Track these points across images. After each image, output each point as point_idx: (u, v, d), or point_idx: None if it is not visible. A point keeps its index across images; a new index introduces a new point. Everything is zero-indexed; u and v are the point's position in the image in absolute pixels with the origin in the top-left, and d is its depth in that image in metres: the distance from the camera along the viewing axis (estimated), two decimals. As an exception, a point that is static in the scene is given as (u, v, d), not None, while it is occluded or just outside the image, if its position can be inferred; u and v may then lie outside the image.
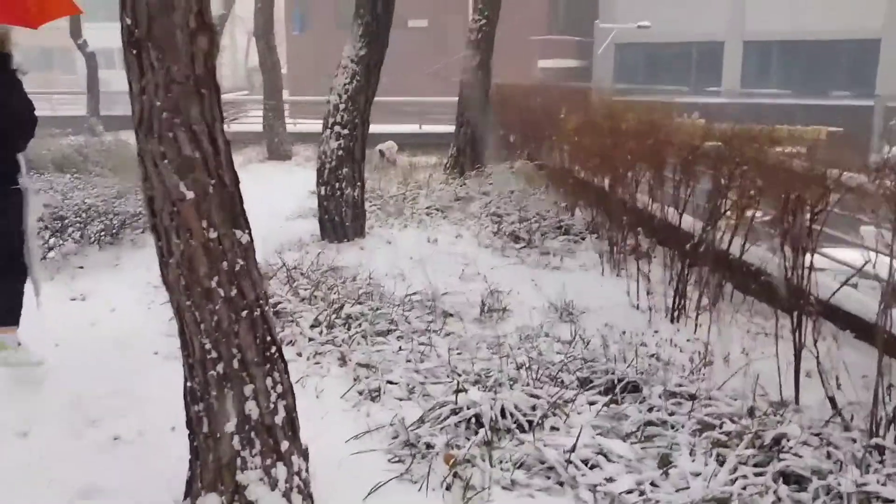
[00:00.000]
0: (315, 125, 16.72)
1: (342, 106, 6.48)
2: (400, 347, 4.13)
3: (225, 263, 2.45)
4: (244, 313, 2.50)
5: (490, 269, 6.07)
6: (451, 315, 4.94)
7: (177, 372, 4.04)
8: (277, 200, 9.20)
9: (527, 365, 3.73)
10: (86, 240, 6.46)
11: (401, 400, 3.60)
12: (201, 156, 2.39)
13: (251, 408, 2.52)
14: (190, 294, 2.44)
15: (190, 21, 2.31)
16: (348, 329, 4.41)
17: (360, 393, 3.69)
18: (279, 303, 4.67)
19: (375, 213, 7.67)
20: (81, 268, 6.08)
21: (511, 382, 3.53)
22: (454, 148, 10.23)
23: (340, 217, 6.58)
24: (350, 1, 6.69)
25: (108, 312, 5.08)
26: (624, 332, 4.57)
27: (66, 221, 5.96)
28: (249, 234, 2.57)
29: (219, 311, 2.46)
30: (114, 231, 6.55)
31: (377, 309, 4.71)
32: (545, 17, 28.26)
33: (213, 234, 2.42)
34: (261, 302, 2.57)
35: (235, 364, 2.49)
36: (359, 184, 6.66)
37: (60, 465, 3.10)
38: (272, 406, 2.57)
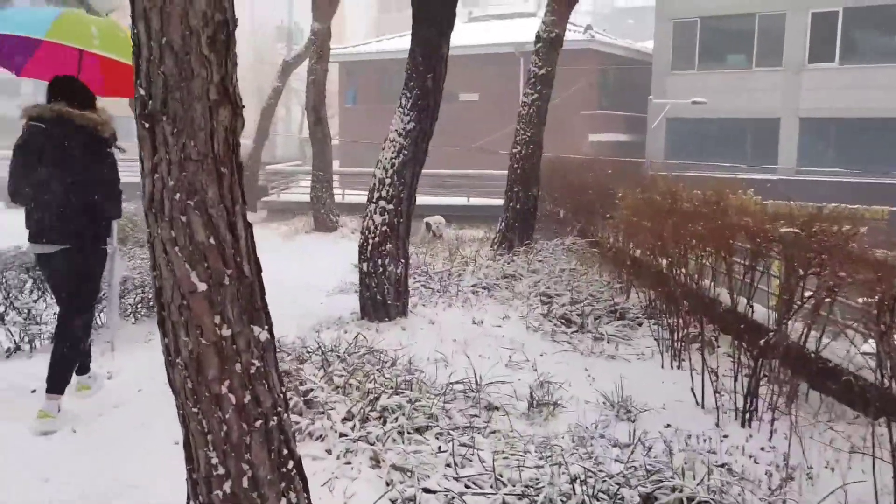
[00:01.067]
0: (364, 197, 16.85)
1: (388, 180, 6.25)
2: (440, 448, 3.73)
3: (238, 365, 2.14)
4: (258, 423, 2.17)
5: (539, 355, 5.67)
6: (497, 409, 4.54)
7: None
8: (320, 274, 8.99)
9: (581, 478, 3.29)
10: (122, 312, 6.27)
11: (438, 513, 3.19)
12: (217, 242, 2.10)
13: (262, 535, 2.16)
14: (197, 400, 2.13)
15: (210, 92, 2.06)
16: (383, 423, 4.03)
17: (393, 502, 3.29)
18: (311, 390, 4.34)
19: (419, 291, 7.36)
20: (110, 342, 5.86)
21: (563, 500, 3.10)
22: (502, 223, 9.93)
23: (382, 295, 6.28)
24: (400, 76, 6.53)
25: (135, 393, 4.81)
26: (690, 436, 4.11)
27: (102, 294, 5.77)
28: (270, 330, 2.25)
29: (228, 420, 2.13)
30: (150, 304, 6.35)
31: (415, 401, 4.34)
32: (596, 92, 28.30)
33: (226, 332, 2.11)
34: (279, 409, 2.23)
35: (245, 482, 2.15)
36: (402, 261, 6.38)
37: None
38: (287, 533, 2.21)
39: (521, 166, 9.66)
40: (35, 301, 5.71)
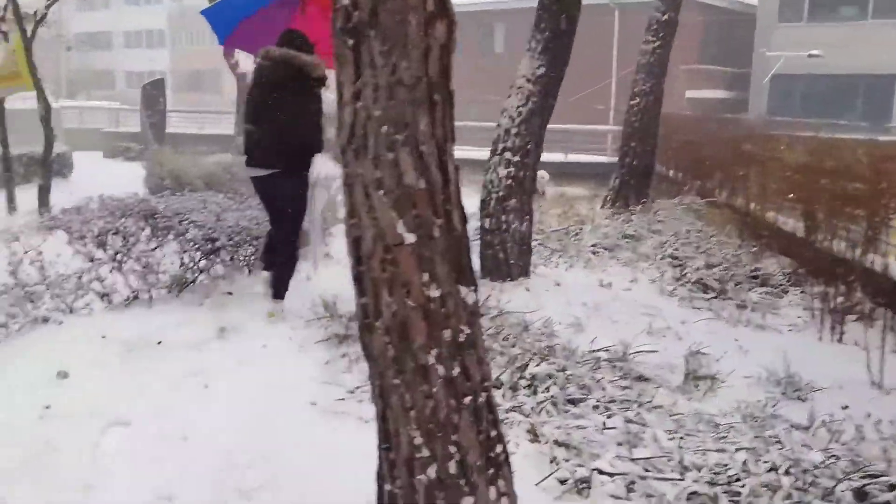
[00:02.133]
0: (462, 153, 16.26)
1: (514, 130, 5.84)
2: (604, 423, 3.37)
3: (447, 332, 1.80)
4: (467, 400, 1.84)
5: (680, 323, 5.24)
6: (647, 380, 4.15)
7: (338, 432, 3.48)
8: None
9: (783, 467, 2.88)
10: (235, 264, 6.10)
11: (617, 498, 2.84)
12: (428, 186, 1.75)
13: (469, 529, 1.84)
14: (400, 370, 1.80)
15: (427, 2, 1.69)
16: (534, 393, 3.70)
17: (562, 482, 2.96)
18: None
19: (537, 250, 6.97)
20: (230, 294, 5.68)
21: (770, 491, 2.70)
22: (616, 180, 9.41)
23: (505, 254, 5.91)
24: (495, 28, 6.08)
25: (260, 349, 4.60)
26: (880, 421, 3.63)
27: (218, 243, 5.60)
28: (476, 292, 1.91)
29: (436, 395, 1.80)
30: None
31: (563, 369, 3.99)
32: (696, 46, 26.96)
33: (434, 293, 1.78)
34: (486, 384, 1.90)
35: (453, 468, 1.83)
36: (527, 217, 5.99)
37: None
38: (495, 528, 1.88)
39: (639, 119, 9.09)
40: (153, 250, 5.56)
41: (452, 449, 1.82)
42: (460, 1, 27.74)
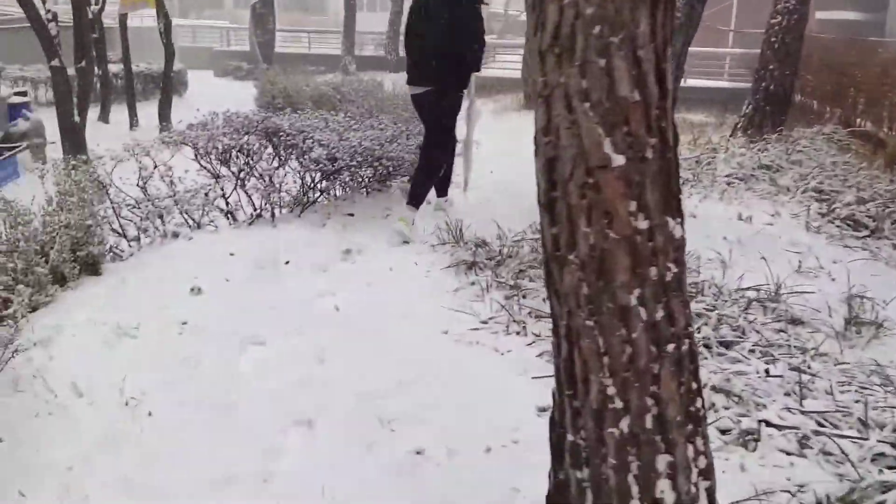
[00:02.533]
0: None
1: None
2: (767, 371, 3.09)
3: (654, 270, 1.57)
4: (670, 347, 1.61)
5: (832, 262, 4.81)
6: (802, 324, 3.82)
7: (474, 363, 3.34)
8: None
9: None
10: (355, 184, 6.00)
11: (788, 454, 2.59)
12: (643, 98, 1.49)
13: (664, 489, 1.64)
14: (594, 310, 1.59)
15: None
16: (684, 332, 3.44)
17: (724, 432, 2.72)
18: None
19: (666, 178, 6.58)
20: (352, 215, 5.60)
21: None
22: (750, 106, 8.75)
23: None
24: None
25: (387, 272, 4.50)
26: None
27: (340, 163, 5.48)
28: (682, 224, 1.66)
29: (636, 340, 1.58)
30: (383, 178, 6.02)
31: (713, 308, 3.70)
32: (829, -37, 24.81)
33: (642, 224, 1.54)
34: (690, 330, 1.66)
35: (649, 422, 1.62)
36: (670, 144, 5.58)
37: (350, 487, 2.45)
38: (693, 489, 1.67)
39: (780, 40, 8.35)
40: (276, 168, 5.50)
41: (650, 401, 1.60)
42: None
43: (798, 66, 8.54)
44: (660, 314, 1.58)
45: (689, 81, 16.83)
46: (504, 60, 19.53)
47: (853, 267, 4.73)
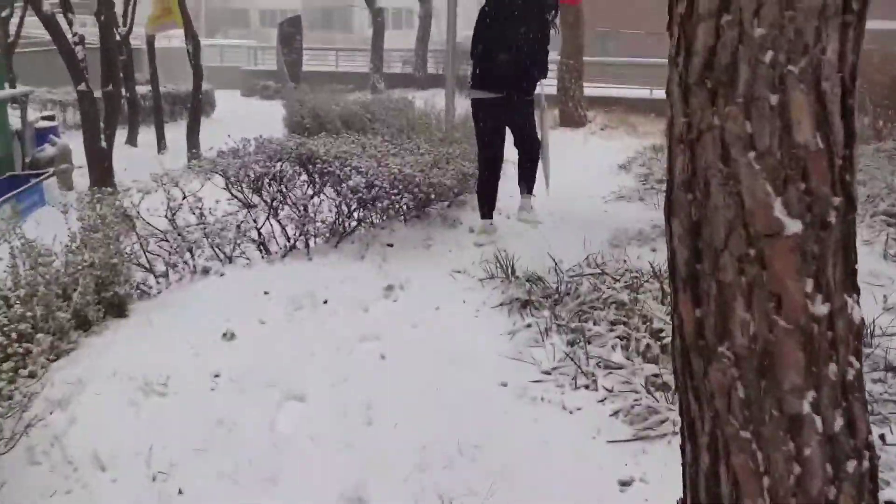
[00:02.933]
0: (610, 91, 15.25)
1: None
2: (882, 437, 2.69)
3: (833, 367, 1.20)
4: (850, 466, 1.24)
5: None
6: (902, 371, 3.41)
7: (540, 424, 2.97)
8: (586, 177, 8.00)
9: None
10: (393, 212, 5.67)
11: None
12: (826, 147, 1.13)
13: None
14: (754, 419, 1.22)
15: None
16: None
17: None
18: (662, 331, 3.42)
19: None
20: (391, 245, 5.27)
21: None
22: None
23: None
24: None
25: (433, 311, 4.15)
26: None
27: (378, 191, 5.15)
28: (859, 301, 1.29)
29: (808, 458, 1.21)
30: (422, 204, 5.68)
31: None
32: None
33: (820, 309, 1.17)
34: (870, 439, 1.29)
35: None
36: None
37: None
38: None
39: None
40: (312, 197, 5.19)
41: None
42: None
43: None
44: (839, 423, 1.21)
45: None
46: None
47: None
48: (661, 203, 5.54)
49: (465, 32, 18.86)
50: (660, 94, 15.05)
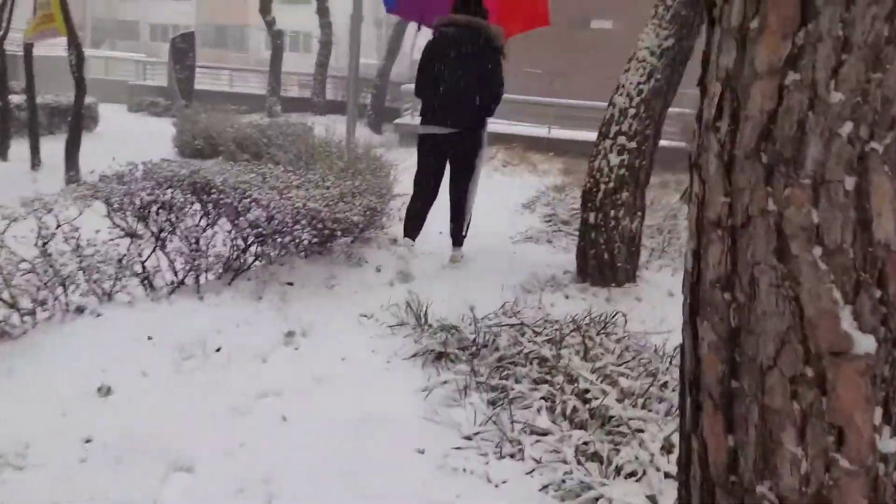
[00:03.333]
0: (509, 126, 15.29)
1: (632, 111, 4.95)
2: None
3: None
4: None
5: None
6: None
7: (468, 500, 2.67)
8: (492, 214, 7.83)
9: None
10: (293, 247, 5.28)
11: None
12: (908, 243, 0.90)
13: None
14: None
15: None
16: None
17: None
18: (587, 391, 3.20)
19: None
20: (291, 284, 4.89)
21: None
22: (702, 170, 8.47)
23: (611, 255, 5.06)
24: None
25: (339, 363, 3.80)
26: None
27: (279, 225, 4.76)
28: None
29: None
30: (324, 240, 5.32)
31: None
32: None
33: (889, 446, 0.93)
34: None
35: None
36: (639, 214, 5.13)
37: None
38: None
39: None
40: (205, 229, 4.74)
41: None
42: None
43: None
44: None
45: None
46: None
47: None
48: (569, 247, 5.42)
49: (365, 60, 18.59)
50: (557, 132, 15.24)
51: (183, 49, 20.59)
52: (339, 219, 5.13)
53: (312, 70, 22.18)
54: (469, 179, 5.46)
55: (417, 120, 16.99)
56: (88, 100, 13.37)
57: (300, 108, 21.39)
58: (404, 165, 9.29)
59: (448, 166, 5.46)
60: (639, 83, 4.95)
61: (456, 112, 5.18)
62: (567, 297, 4.91)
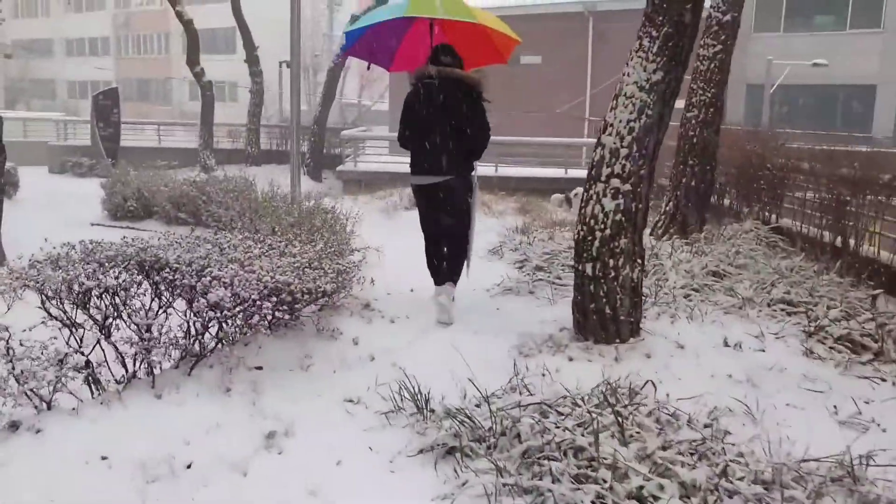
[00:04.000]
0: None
1: (624, 151, 4.56)
2: None
3: None
4: None
5: (864, 403, 4.02)
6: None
7: None
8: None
9: None
10: (259, 326, 4.67)
11: None
12: None
13: None
14: None
15: None
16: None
17: None
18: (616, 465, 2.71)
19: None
20: (260, 368, 4.29)
21: None
22: (671, 203, 8.20)
23: (614, 308, 4.62)
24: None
25: (333, 468, 3.22)
26: None
27: (248, 304, 4.17)
28: None
29: None
30: (291, 311, 4.73)
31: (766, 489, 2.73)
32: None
33: None
34: None
35: None
36: (639, 261, 4.71)
37: None
38: None
39: (697, 134, 7.90)
40: (157, 313, 4.12)
41: None
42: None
43: (716, 161, 8.12)
44: None
45: (573, 172, 16.62)
46: (376, 154, 18.65)
47: (888, 407, 3.96)
48: (554, 297, 4.95)
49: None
50: (504, 170, 14.92)
51: (106, 105, 19.71)
52: (310, 289, 4.57)
53: (241, 120, 21.53)
54: (466, 225, 5.47)
55: (361, 166, 16.57)
56: (8, 164, 12.46)
57: (234, 159, 20.68)
58: (358, 212, 8.78)
59: (437, 212, 5.44)
60: (629, 121, 4.57)
61: (442, 161, 5.22)
62: (571, 360, 4.43)
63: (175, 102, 48.03)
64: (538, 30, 24.16)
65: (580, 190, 12.54)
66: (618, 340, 4.65)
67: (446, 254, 5.53)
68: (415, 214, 11.18)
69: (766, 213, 8.36)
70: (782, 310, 5.55)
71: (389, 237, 8.51)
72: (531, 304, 5.78)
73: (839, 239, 6.63)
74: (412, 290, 6.21)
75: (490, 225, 10.23)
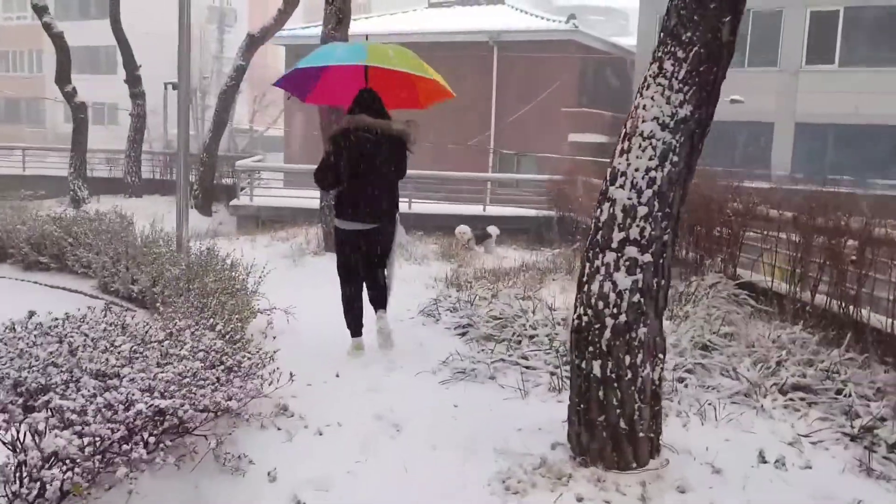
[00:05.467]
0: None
1: (643, 209, 3.39)
2: None
3: None
4: None
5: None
6: None
7: None
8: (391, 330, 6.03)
9: None
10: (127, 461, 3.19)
11: None
12: None
13: None
14: None
15: None
16: None
17: None
18: None
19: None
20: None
21: None
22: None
23: (630, 422, 3.40)
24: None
25: None
26: None
27: (101, 441, 2.72)
28: None
29: None
30: (178, 431, 3.29)
31: None
32: (577, 89, 26.02)
33: None
34: None
35: None
36: (660, 356, 3.54)
37: None
38: None
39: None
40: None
41: None
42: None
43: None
44: None
45: (489, 210, 15.53)
46: (274, 185, 17.00)
47: None
48: (525, 385, 3.54)
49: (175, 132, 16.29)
50: (417, 206, 13.61)
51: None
52: (206, 406, 3.15)
53: (122, 146, 19.44)
54: (387, 265, 5.61)
55: (257, 200, 14.90)
56: None
57: (112, 189, 18.55)
58: (264, 266, 7.29)
59: (366, 255, 5.51)
60: (648, 169, 3.42)
61: (373, 208, 5.38)
62: (581, 502, 3.19)
63: (48, 125, 44.50)
64: (441, 59, 23.29)
65: (496, 230, 11.56)
66: (634, 465, 3.44)
67: (370, 291, 5.58)
68: (325, 261, 9.86)
69: (731, 267, 7.45)
70: (801, 398, 4.53)
71: (299, 292, 7.11)
72: (497, 398, 4.50)
73: (836, 304, 5.71)
74: (338, 376, 4.85)
75: (413, 273, 8.92)
